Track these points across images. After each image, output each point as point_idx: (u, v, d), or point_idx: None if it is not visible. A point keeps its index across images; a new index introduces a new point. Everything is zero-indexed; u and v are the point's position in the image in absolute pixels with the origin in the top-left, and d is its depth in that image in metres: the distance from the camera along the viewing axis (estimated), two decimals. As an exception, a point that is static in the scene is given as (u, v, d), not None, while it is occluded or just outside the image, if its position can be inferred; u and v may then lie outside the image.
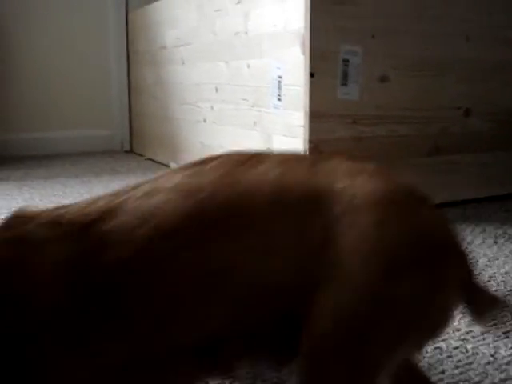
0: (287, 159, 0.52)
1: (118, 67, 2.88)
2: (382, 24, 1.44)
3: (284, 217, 0.47)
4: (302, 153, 0.57)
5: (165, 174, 0.53)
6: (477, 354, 0.76)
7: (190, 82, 2.07)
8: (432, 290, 0.46)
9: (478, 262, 1.12)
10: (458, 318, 0.87)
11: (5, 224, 0.49)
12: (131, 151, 2.86)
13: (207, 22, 1.89)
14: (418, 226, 0.48)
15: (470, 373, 0.72)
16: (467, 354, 0.76)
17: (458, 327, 0.84)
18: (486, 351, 0.77)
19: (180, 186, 0.49)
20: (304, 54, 1.36)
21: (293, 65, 1.41)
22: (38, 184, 1.96)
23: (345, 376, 0.45)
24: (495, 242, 1.25)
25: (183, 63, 2.12)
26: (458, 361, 0.75)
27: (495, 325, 0.84)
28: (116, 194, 0.50)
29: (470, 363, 0.74)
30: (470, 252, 1.18)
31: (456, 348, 0.78)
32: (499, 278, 1.03)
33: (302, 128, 1.39)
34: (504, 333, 0.82)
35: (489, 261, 1.13)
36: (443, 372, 0.72)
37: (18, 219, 0.49)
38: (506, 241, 1.27)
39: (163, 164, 2.34)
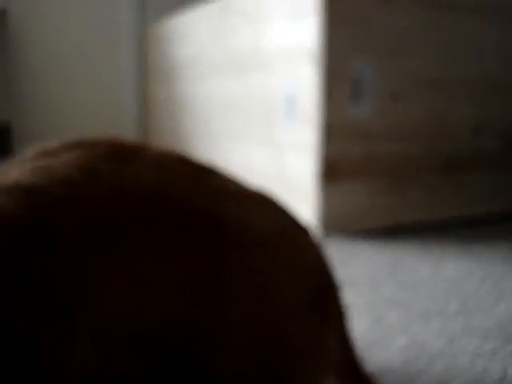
0: (164, 161, 0.41)
1: (131, 82, 2.91)
2: (395, 43, 1.46)
3: (158, 240, 0.36)
4: (180, 153, 0.43)
5: (5, 165, 0.39)
6: (487, 371, 0.76)
7: (201, 98, 2.09)
8: (322, 329, 0.43)
9: (487, 279, 1.13)
10: (467, 335, 0.87)
11: None
12: (143, 165, 2.87)
13: (220, 38, 1.91)
14: (308, 265, 0.43)
15: (480, 390, 0.72)
16: (477, 372, 0.76)
17: (468, 345, 0.84)
18: (496, 368, 0.77)
19: (20, 186, 0.35)
20: (316, 71, 1.38)
21: (305, 82, 1.43)
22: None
23: None
24: (504, 260, 1.25)
25: (195, 79, 2.14)
26: (468, 378, 0.75)
27: (504, 342, 0.84)
28: None
29: (479, 380, 0.74)
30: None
31: (466, 366, 0.78)
32: (508, 297, 1.03)
33: (314, 145, 1.40)
34: (514, 351, 0.82)
35: (498, 279, 1.13)
36: (453, 389, 0.72)
37: None
38: (516, 259, 1.27)
39: (174, 178, 2.35)
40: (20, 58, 2.64)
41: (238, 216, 0.40)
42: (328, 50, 1.37)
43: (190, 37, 2.20)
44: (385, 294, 1.04)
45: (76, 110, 2.78)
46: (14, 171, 0.37)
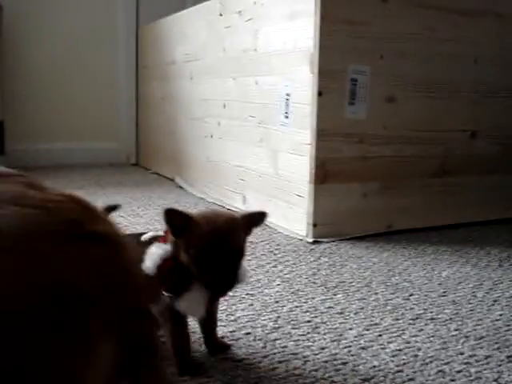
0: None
1: (127, 81, 2.90)
2: (391, 45, 1.45)
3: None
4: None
5: None
6: (480, 378, 0.75)
7: (197, 98, 2.08)
8: None
9: (482, 285, 1.12)
10: (461, 341, 0.86)
11: None
12: (137, 164, 2.87)
13: (217, 38, 1.90)
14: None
15: (473, 397, 0.71)
16: (470, 378, 0.75)
17: (462, 351, 0.83)
18: (489, 375, 0.76)
19: None
20: (312, 72, 1.37)
21: (301, 83, 1.42)
22: (43, 195, 1.95)
23: None
24: (500, 266, 1.25)
25: (192, 79, 2.13)
26: (461, 384, 0.74)
27: (499, 349, 0.84)
28: None
29: (473, 387, 0.74)
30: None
31: (459, 372, 0.77)
32: (503, 302, 1.03)
33: (309, 146, 1.39)
34: (507, 357, 0.81)
35: (493, 284, 1.12)
36: (446, 395, 0.71)
37: None
38: (510, 264, 1.26)
39: (168, 178, 2.35)
40: (14, 56, 2.62)
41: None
42: (324, 51, 1.36)
43: (187, 36, 2.19)
44: (378, 299, 1.03)
45: (70, 109, 2.76)
46: None
